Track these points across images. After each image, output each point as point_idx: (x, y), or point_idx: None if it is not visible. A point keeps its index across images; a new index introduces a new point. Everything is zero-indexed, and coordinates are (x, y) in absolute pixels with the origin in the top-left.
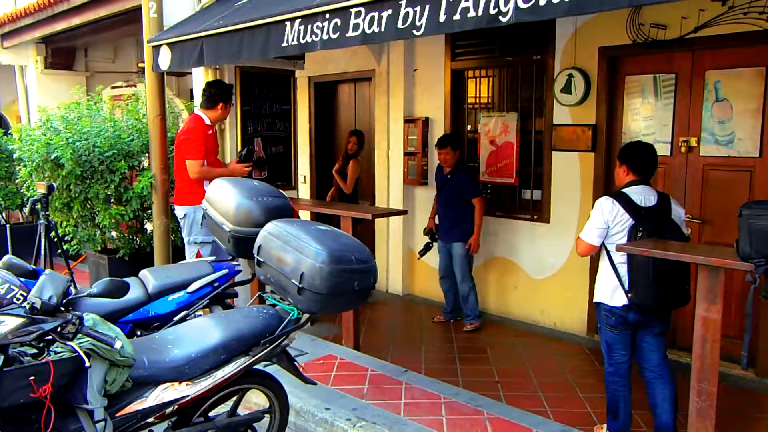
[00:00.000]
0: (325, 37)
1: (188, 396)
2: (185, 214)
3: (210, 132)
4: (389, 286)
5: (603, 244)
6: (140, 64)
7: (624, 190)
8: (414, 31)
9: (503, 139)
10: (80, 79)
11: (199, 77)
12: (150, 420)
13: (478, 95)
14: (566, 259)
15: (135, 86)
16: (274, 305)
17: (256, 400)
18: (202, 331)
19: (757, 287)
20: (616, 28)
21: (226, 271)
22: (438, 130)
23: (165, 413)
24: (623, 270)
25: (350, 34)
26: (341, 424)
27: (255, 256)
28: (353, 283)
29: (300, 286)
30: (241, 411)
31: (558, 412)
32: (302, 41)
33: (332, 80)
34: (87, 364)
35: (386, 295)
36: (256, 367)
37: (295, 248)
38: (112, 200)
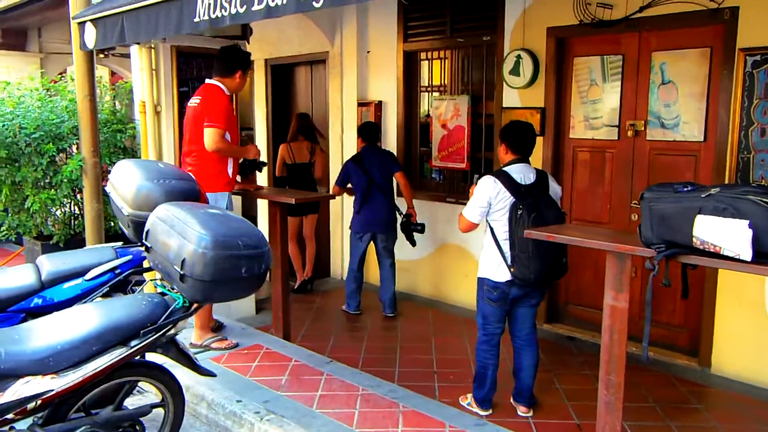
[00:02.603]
0: (233, 11)
1: (53, 390)
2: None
3: (230, 103)
4: (344, 274)
5: (487, 221)
6: None
7: (505, 168)
8: (314, 3)
9: (454, 122)
10: (34, 60)
11: (136, 59)
12: (10, 416)
13: (430, 77)
14: None
15: None
16: (163, 293)
17: None
18: (74, 321)
19: (656, 274)
20: (564, 7)
21: (130, 257)
22: (391, 114)
23: (27, 409)
24: (506, 246)
25: (255, 7)
26: (249, 417)
27: (143, 241)
28: (240, 269)
29: (182, 272)
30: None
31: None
32: (213, 15)
33: (288, 62)
34: None
35: (341, 284)
36: (151, 357)
37: (179, 233)
38: (42, 184)
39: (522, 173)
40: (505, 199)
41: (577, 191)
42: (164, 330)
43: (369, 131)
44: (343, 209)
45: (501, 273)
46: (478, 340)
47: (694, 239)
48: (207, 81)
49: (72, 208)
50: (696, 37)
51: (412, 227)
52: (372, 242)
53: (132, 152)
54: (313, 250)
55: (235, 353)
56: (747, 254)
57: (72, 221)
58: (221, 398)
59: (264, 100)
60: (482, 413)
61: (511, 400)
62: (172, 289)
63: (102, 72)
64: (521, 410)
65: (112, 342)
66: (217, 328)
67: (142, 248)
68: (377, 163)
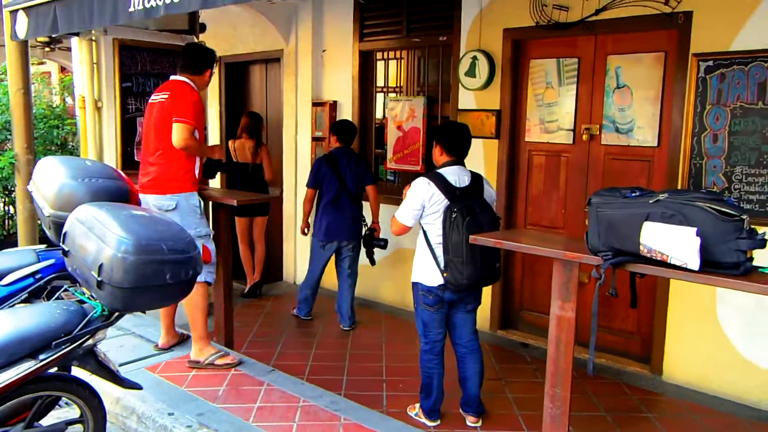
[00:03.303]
0: (167, 1)
1: None
2: (176, 204)
3: (200, 101)
4: (297, 278)
5: (420, 224)
6: (39, 38)
7: (439, 170)
8: None
9: (410, 124)
10: None
11: (76, 52)
12: None
13: (386, 78)
14: None
15: (42, 63)
16: (81, 301)
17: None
18: None
19: (602, 283)
20: (520, 9)
21: (52, 261)
22: (346, 114)
23: None
24: (439, 251)
25: None
26: (181, 431)
27: (60, 244)
28: (164, 275)
29: (99, 279)
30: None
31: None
32: (147, 5)
33: (243, 60)
34: None
35: (293, 288)
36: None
37: (98, 236)
38: None
39: (457, 175)
40: (439, 201)
41: (532, 195)
42: (80, 341)
43: (346, 131)
44: (296, 211)
45: (434, 277)
46: (421, 350)
47: (641, 247)
48: (173, 77)
49: (5, 208)
50: (651, 41)
51: (374, 242)
52: (335, 252)
53: (72, 150)
54: (263, 253)
55: (174, 362)
56: (695, 263)
57: (5, 221)
58: (152, 411)
59: (217, 99)
60: (430, 424)
61: (460, 410)
62: (91, 296)
63: (51, 66)
64: (470, 420)
65: (17, 354)
66: (182, 340)
67: None
68: (352, 171)
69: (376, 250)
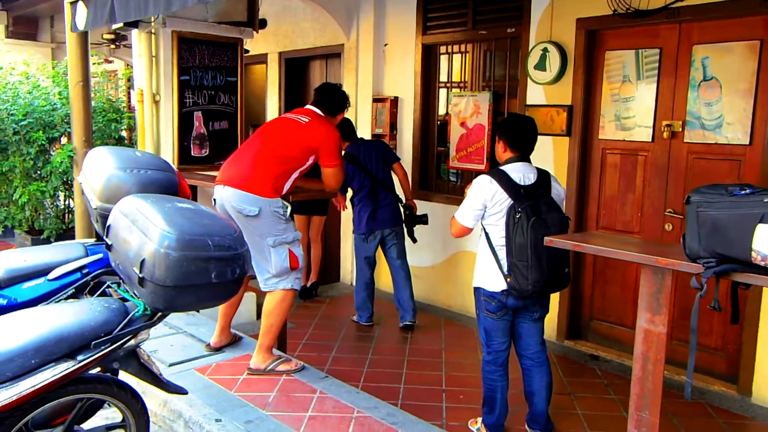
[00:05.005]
0: None
1: None
2: (260, 209)
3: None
4: (353, 280)
5: (482, 225)
6: (105, 35)
7: (502, 167)
8: None
9: (474, 121)
10: (45, 51)
11: (135, 45)
12: None
13: (450, 73)
14: None
15: (110, 61)
16: (124, 299)
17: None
18: (11, 329)
19: (704, 295)
20: None
21: (100, 255)
22: (408, 111)
23: None
24: (502, 253)
25: None
26: None
27: (104, 238)
28: (209, 274)
29: (141, 275)
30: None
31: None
32: None
33: (303, 56)
34: None
35: (350, 289)
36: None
37: (141, 229)
38: (32, 175)
39: (521, 173)
40: (502, 201)
41: (605, 197)
42: (121, 341)
43: (348, 129)
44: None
45: (497, 282)
46: (483, 360)
47: (753, 253)
48: (312, 108)
49: (66, 201)
50: (743, 28)
51: (417, 219)
52: (379, 244)
53: (130, 144)
54: (319, 252)
55: (224, 363)
56: None
57: (66, 215)
58: (199, 416)
59: (277, 95)
60: None
61: (526, 427)
62: (134, 294)
63: (117, 66)
64: None
65: (55, 354)
66: (234, 341)
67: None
68: (374, 157)
69: (418, 228)
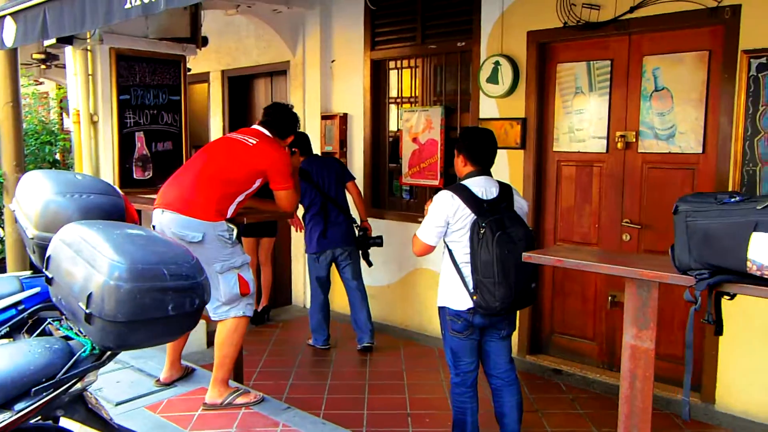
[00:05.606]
0: None
1: None
2: (203, 235)
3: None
4: (307, 301)
5: (445, 242)
6: (35, 55)
7: (463, 182)
8: None
9: (427, 136)
10: None
11: (70, 63)
12: None
13: (400, 88)
14: None
15: (40, 83)
16: (68, 337)
17: None
18: None
19: (698, 309)
20: (546, 9)
21: (38, 289)
22: (357, 127)
23: None
24: (467, 270)
25: None
26: None
27: (43, 270)
28: (165, 306)
29: (87, 311)
30: None
31: None
32: (145, 0)
33: (247, 74)
34: None
35: (303, 312)
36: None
37: (87, 259)
38: None
39: (483, 187)
40: (465, 216)
41: (562, 209)
42: (65, 386)
43: (304, 142)
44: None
45: (462, 300)
46: (452, 382)
47: (748, 263)
48: (259, 128)
49: None
50: (693, 39)
51: (370, 241)
52: (333, 263)
53: (66, 168)
54: (270, 276)
55: (177, 399)
56: None
57: None
58: None
59: (221, 114)
60: None
61: None
62: (79, 332)
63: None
64: None
65: None
66: (186, 374)
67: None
68: (326, 175)
69: (372, 249)
